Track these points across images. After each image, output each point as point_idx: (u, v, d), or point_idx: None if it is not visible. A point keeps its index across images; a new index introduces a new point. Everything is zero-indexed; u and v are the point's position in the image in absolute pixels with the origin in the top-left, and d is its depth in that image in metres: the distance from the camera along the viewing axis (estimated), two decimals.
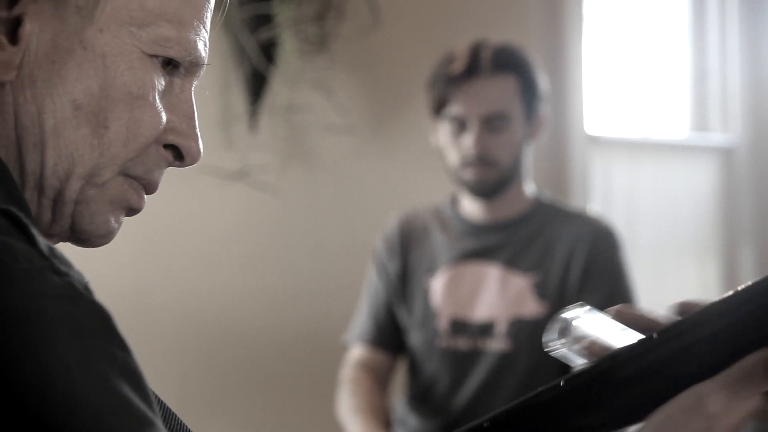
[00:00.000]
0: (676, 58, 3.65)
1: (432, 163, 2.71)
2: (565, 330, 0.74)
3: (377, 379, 2.14)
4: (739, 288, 0.70)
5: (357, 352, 2.19)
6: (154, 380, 0.74)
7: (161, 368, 2.59)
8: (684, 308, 0.73)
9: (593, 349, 0.74)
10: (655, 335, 0.70)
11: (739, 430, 0.70)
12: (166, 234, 2.63)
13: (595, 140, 3.21)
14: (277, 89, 2.67)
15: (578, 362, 0.75)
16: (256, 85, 2.62)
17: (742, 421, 0.70)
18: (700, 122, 3.68)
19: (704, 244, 3.64)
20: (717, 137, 3.65)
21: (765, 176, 3.71)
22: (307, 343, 2.73)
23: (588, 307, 0.75)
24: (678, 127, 3.65)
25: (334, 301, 2.71)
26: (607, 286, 2.07)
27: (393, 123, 2.81)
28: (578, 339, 0.74)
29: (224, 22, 2.58)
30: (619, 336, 0.73)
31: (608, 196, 3.31)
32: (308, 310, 2.75)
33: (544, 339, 0.75)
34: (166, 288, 2.65)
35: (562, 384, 0.71)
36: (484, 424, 0.72)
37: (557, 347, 0.74)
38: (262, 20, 2.59)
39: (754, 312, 0.69)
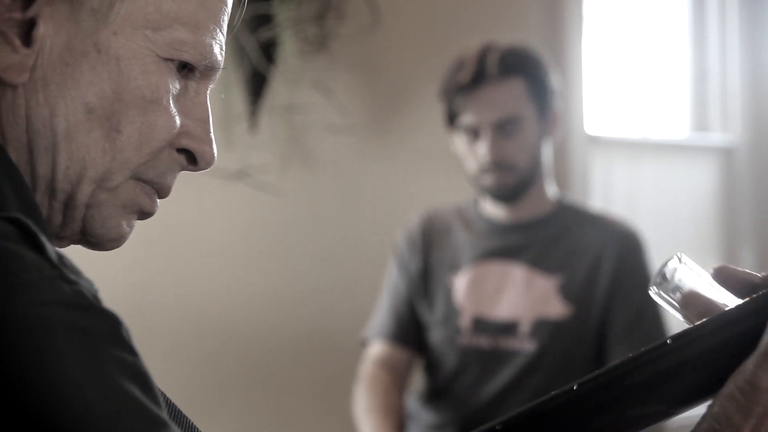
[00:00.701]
0: (676, 58, 3.65)
1: (432, 163, 2.71)
2: (666, 278, 0.74)
3: (396, 378, 2.14)
4: (754, 296, 0.70)
5: (377, 348, 2.18)
6: (155, 381, 0.74)
7: (161, 368, 2.58)
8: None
9: (689, 300, 0.74)
10: (669, 341, 0.70)
11: None
12: (167, 234, 2.63)
13: (595, 140, 3.21)
14: (277, 89, 2.67)
15: (674, 313, 0.75)
16: (256, 85, 2.62)
17: None
18: (700, 122, 3.68)
19: (704, 244, 3.64)
20: (717, 137, 3.65)
21: (765, 176, 3.71)
22: (307, 343, 2.73)
23: (689, 259, 0.75)
24: (678, 127, 3.65)
25: (335, 301, 2.71)
26: (640, 292, 2.07)
27: (393, 123, 2.81)
28: (677, 289, 0.73)
29: None
30: (715, 293, 0.74)
31: (608, 196, 3.31)
32: (309, 310, 2.75)
33: (651, 282, 0.75)
34: (166, 288, 2.65)
35: (575, 388, 0.71)
36: (497, 427, 0.72)
37: (656, 294, 0.74)
38: (262, 20, 2.59)
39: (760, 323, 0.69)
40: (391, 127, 2.82)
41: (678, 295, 0.74)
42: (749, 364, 0.69)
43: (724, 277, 0.75)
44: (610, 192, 3.32)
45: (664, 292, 0.74)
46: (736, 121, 3.65)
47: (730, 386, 0.70)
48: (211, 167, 0.81)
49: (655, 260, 3.43)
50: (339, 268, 2.76)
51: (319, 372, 2.70)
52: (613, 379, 0.71)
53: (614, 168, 3.35)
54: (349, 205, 2.80)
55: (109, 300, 0.70)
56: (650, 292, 0.75)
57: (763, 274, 0.74)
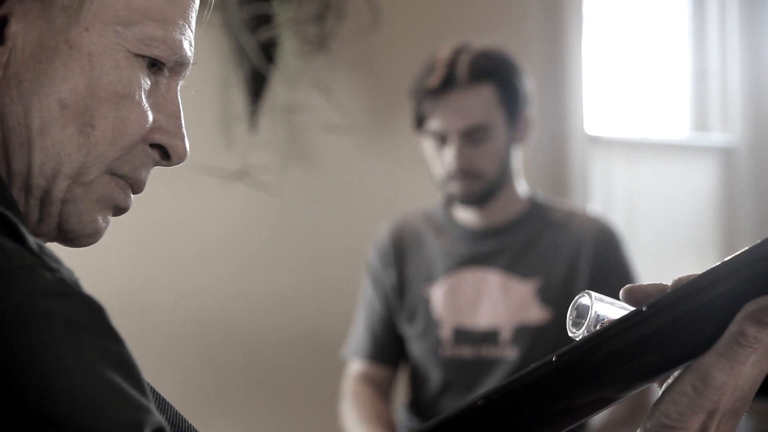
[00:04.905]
0: (676, 58, 3.65)
1: None
2: (582, 316, 0.74)
3: (379, 391, 2.12)
4: (726, 259, 0.70)
5: (356, 366, 2.17)
6: (153, 379, 0.74)
7: (160, 367, 2.59)
8: (680, 284, 0.73)
9: None
10: (644, 308, 0.70)
11: (750, 397, 0.71)
12: (166, 234, 2.63)
13: (595, 140, 3.21)
14: (277, 89, 2.67)
15: None
16: (256, 85, 2.62)
17: (753, 387, 0.70)
18: (700, 122, 3.68)
19: (704, 244, 3.64)
20: (717, 137, 3.65)
21: (765, 176, 3.71)
22: (306, 342, 2.73)
23: (595, 293, 0.75)
24: (678, 127, 3.66)
25: (334, 301, 2.71)
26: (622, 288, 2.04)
27: (393, 123, 2.82)
28: (596, 323, 0.74)
29: (224, 22, 2.58)
30: None
31: (608, 196, 3.31)
32: (308, 310, 2.75)
33: (568, 324, 0.75)
34: (166, 288, 2.65)
35: (554, 360, 0.71)
36: (479, 402, 0.72)
37: (577, 334, 0.74)
38: (262, 20, 2.59)
39: (742, 282, 0.69)
40: (391, 127, 2.82)
41: (599, 327, 0.74)
42: (704, 360, 0.69)
43: (634, 297, 0.75)
44: (610, 192, 3.32)
45: (587, 329, 0.74)
46: (736, 121, 3.65)
47: (683, 382, 0.70)
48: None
49: (655, 260, 3.44)
50: (338, 268, 2.76)
51: (319, 372, 2.70)
52: (590, 348, 0.71)
53: (614, 168, 3.36)
54: (349, 205, 2.80)
55: (109, 299, 0.71)
56: (571, 335, 0.75)
57: (674, 280, 0.73)
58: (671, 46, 3.64)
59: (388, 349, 2.15)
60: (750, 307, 0.68)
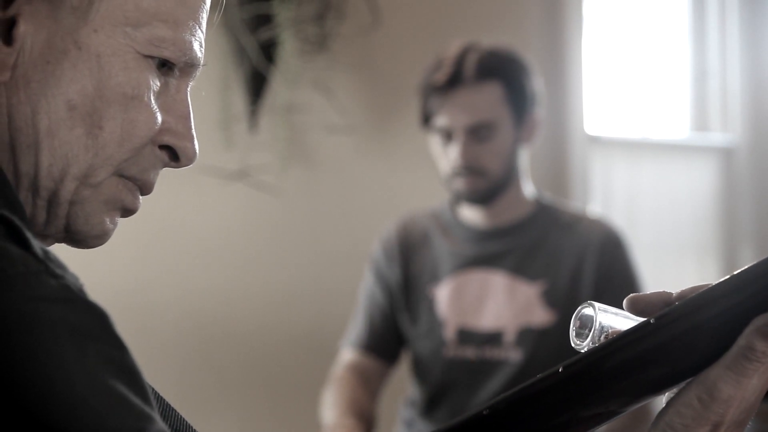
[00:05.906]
0: (676, 58, 3.65)
1: (431, 163, 2.71)
2: (586, 327, 0.74)
3: (363, 380, 2.11)
4: (736, 272, 0.70)
5: (348, 355, 2.17)
6: (154, 379, 0.74)
7: (161, 367, 2.59)
8: (687, 295, 0.72)
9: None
10: (652, 320, 0.70)
11: (756, 407, 0.71)
12: (167, 234, 2.63)
13: (595, 140, 3.21)
14: (277, 89, 2.67)
15: None
16: (256, 85, 2.63)
17: (758, 398, 0.70)
18: (700, 122, 3.68)
19: (704, 244, 3.64)
20: (717, 137, 3.65)
21: (765, 176, 3.71)
22: (306, 342, 2.73)
23: (599, 303, 0.75)
24: (678, 127, 3.66)
25: (334, 300, 2.71)
26: (626, 292, 2.03)
27: (393, 123, 2.82)
28: (601, 333, 0.74)
29: (224, 22, 2.58)
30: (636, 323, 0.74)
31: (608, 196, 3.31)
32: (308, 309, 2.75)
33: (571, 335, 0.75)
34: (166, 288, 2.65)
35: (560, 370, 0.71)
36: (484, 412, 0.72)
37: (582, 345, 0.74)
38: (262, 20, 2.59)
39: (752, 295, 0.69)
40: (391, 127, 2.82)
41: (604, 338, 0.74)
42: (711, 373, 0.69)
43: (638, 307, 0.75)
44: (610, 192, 3.33)
45: (592, 340, 0.74)
46: (736, 121, 3.65)
47: (689, 394, 0.70)
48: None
49: (655, 260, 3.44)
50: (338, 268, 2.76)
51: (317, 371, 2.70)
52: (597, 360, 0.71)
53: (614, 168, 3.36)
54: (349, 205, 2.80)
55: (110, 299, 0.71)
56: (575, 346, 0.75)
57: (678, 291, 0.73)
58: (671, 46, 3.64)
59: (384, 341, 2.15)
60: (758, 321, 0.68)
